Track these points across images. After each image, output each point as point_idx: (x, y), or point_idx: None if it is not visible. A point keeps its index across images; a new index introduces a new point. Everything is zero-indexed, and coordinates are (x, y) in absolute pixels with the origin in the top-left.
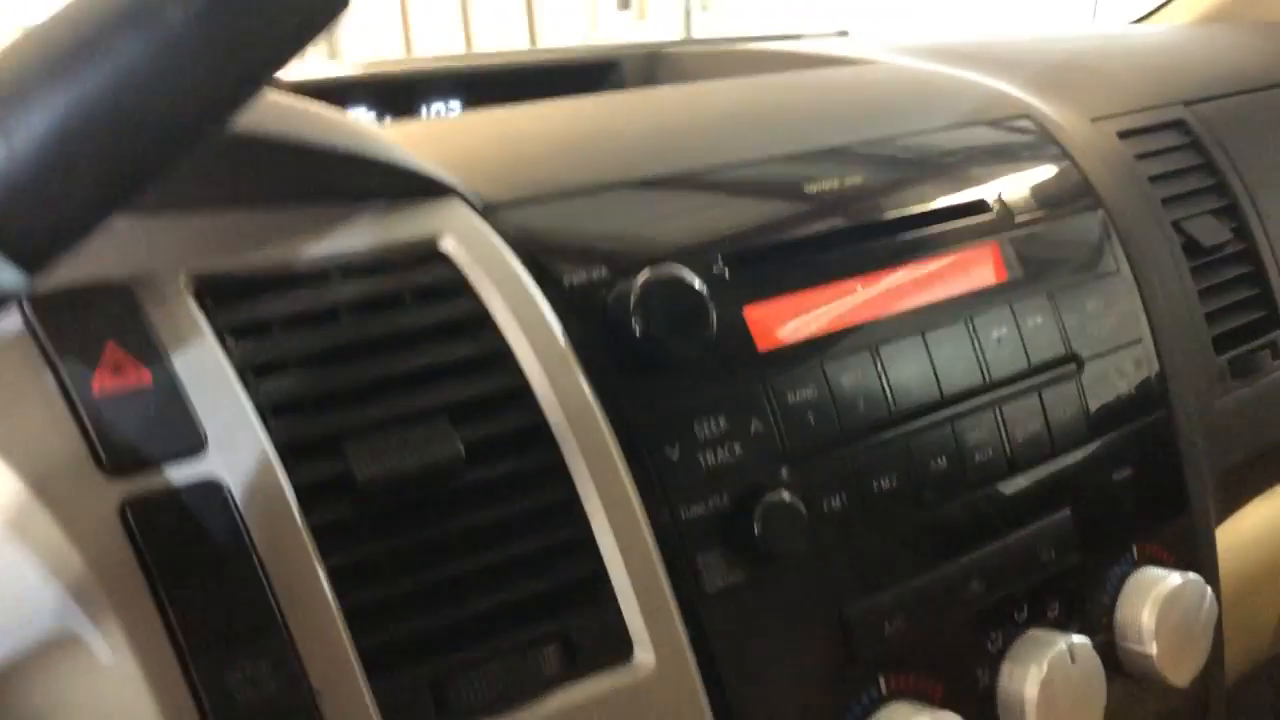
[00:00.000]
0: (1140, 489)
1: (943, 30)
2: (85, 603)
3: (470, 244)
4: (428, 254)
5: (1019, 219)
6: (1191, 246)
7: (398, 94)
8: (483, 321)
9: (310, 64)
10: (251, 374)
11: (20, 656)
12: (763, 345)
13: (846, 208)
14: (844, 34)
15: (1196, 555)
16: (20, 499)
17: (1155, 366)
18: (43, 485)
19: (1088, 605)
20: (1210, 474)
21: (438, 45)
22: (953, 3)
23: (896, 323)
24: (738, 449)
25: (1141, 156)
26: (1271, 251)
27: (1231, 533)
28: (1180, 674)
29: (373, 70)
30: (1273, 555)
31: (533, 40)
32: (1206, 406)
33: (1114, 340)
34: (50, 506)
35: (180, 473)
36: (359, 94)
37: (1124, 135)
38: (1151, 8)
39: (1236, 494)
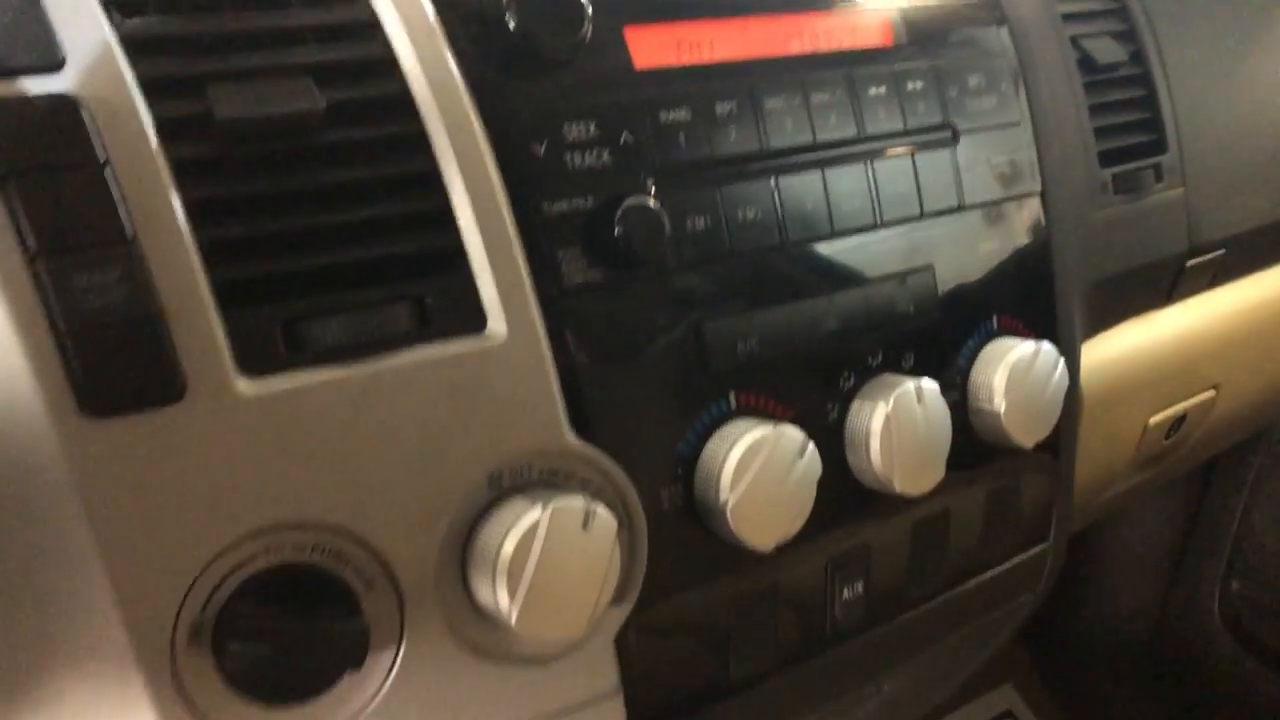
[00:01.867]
0: (1007, 267)
1: None
2: None
3: None
4: None
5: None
6: (1087, 63)
7: None
8: None
9: None
10: (116, 8)
11: None
12: (640, 64)
13: None
14: None
15: (1056, 338)
16: None
17: (1033, 155)
18: None
19: (943, 363)
20: (1081, 280)
21: None
22: None
23: (778, 66)
24: (605, 156)
25: None
26: (1165, 80)
27: (1101, 348)
28: (1026, 435)
29: None
30: (1138, 374)
31: None
32: (1084, 214)
33: (993, 119)
34: None
35: (37, 84)
36: None
37: None
38: None
39: (1110, 312)
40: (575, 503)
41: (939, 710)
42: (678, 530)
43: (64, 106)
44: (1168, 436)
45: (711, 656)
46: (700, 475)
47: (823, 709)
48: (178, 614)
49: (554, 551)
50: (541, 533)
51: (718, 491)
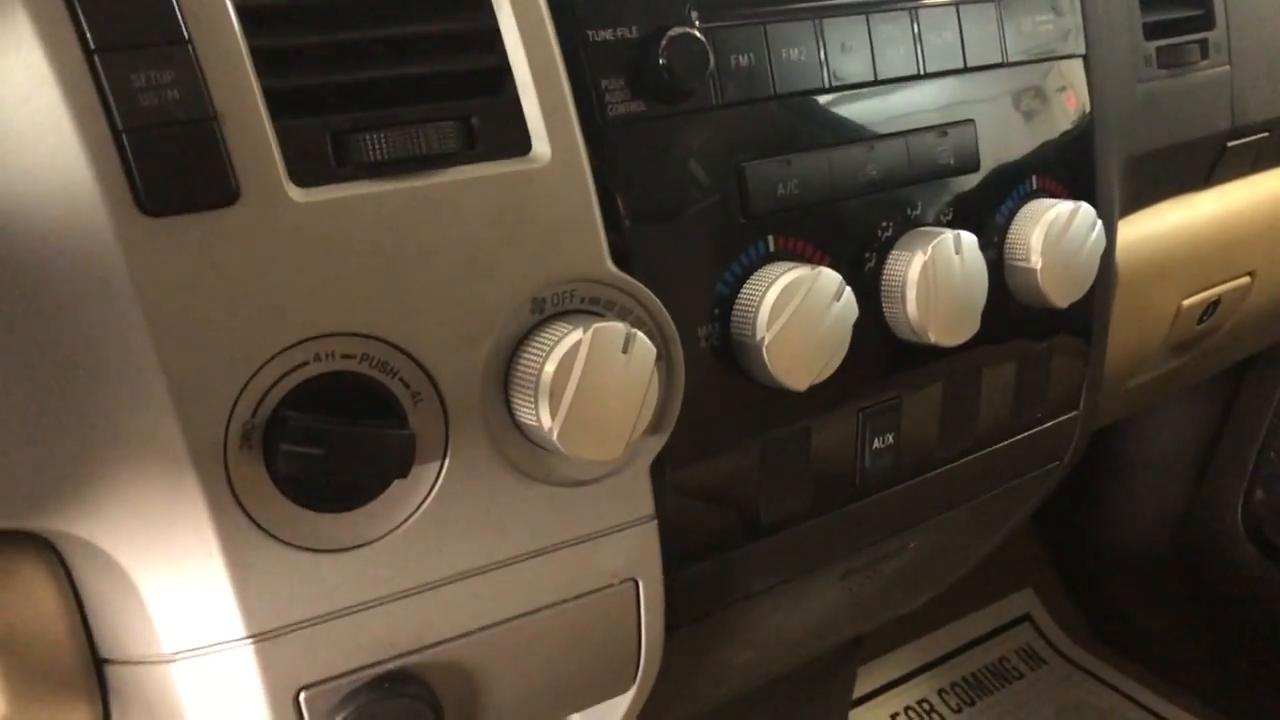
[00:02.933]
0: (1049, 127)
1: None
2: None
3: None
4: None
5: None
6: None
7: None
8: None
9: None
10: None
11: None
12: None
13: None
14: None
15: (1095, 202)
16: None
17: (1078, 15)
18: None
19: (981, 218)
20: (1121, 152)
21: None
22: None
23: None
24: None
25: None
26: None
27: (1138, 226)
28: (1061, 294)
29: None
30: (1173, 254)
31: None
32: (1128, 84)
33: None
34: None
35: None
36: None
37: None
38: None
39: (1148, 190)
40: (616, 327)
41: (958, 610)
42: (714, 368)
43: None
44: (1200, 321)
45: (742, 496)
46: (737, 314)
47: (849, 559)
48: (230, 415)
49: (594, 373)
50: (583, 353)
51: (754, 329)
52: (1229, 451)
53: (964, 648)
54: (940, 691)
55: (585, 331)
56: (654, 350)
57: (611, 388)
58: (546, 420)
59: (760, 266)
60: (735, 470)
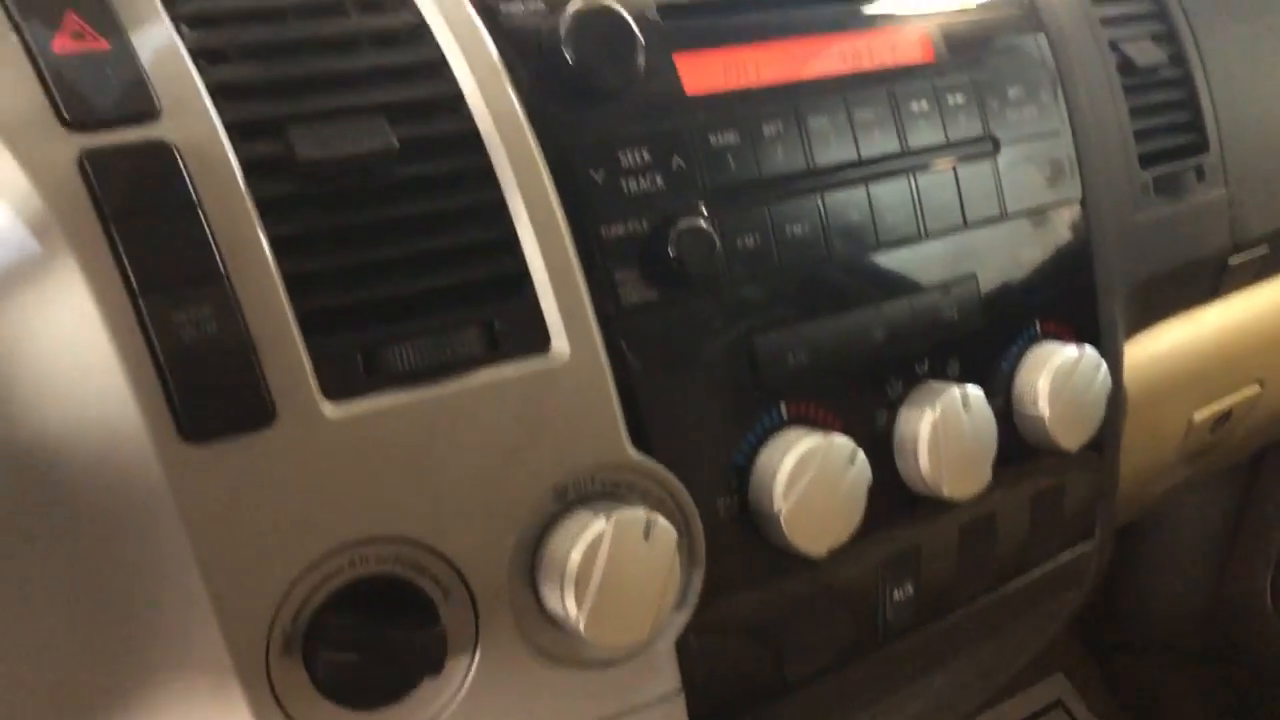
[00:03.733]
0: (1049, 274)
1: None
2: (46, 242)
3: None
4: None
5: (954, 13)
6: (1126, 66)
7: None
8: (421, 33)
9: None
10: (203, 58)
11: None
12: (690, 90)
13: None
14: None
15: (1099, 341)
16: None
17: (1073, 160)
18: (7, 134)
19: (987, 369)
20: (1124, 281)
21: None
22: None
23: (822, 86)
24: (659, 180)
25: None
26: (1206, 80)
27: (1144, 347)
28: (1070, 439)
29: None
30: (1181, 371)
31: None
32: (1126, 216)
33: (1033, 129)
34: (14, 153)
35: (134, 133)
36: None
37: None
38: None
39: (1152, 311)
40: (637, 514)
41: (990, 699)
42: (734, 537)
43: (160, 153)
44: (1213, 431)
45: (767, 658)
46: (754, 484)
47: (876, 706)
48: (271, 625)
49: (618, 561)
50: (606, 543)
51: (771, 500)
52: (1253, 533)
53: None
54: None
55: (607, 521)
56: (675, 533)
57: (635, 573)
58: (573, 609)
59: (774, 434)
60: (759, 633)
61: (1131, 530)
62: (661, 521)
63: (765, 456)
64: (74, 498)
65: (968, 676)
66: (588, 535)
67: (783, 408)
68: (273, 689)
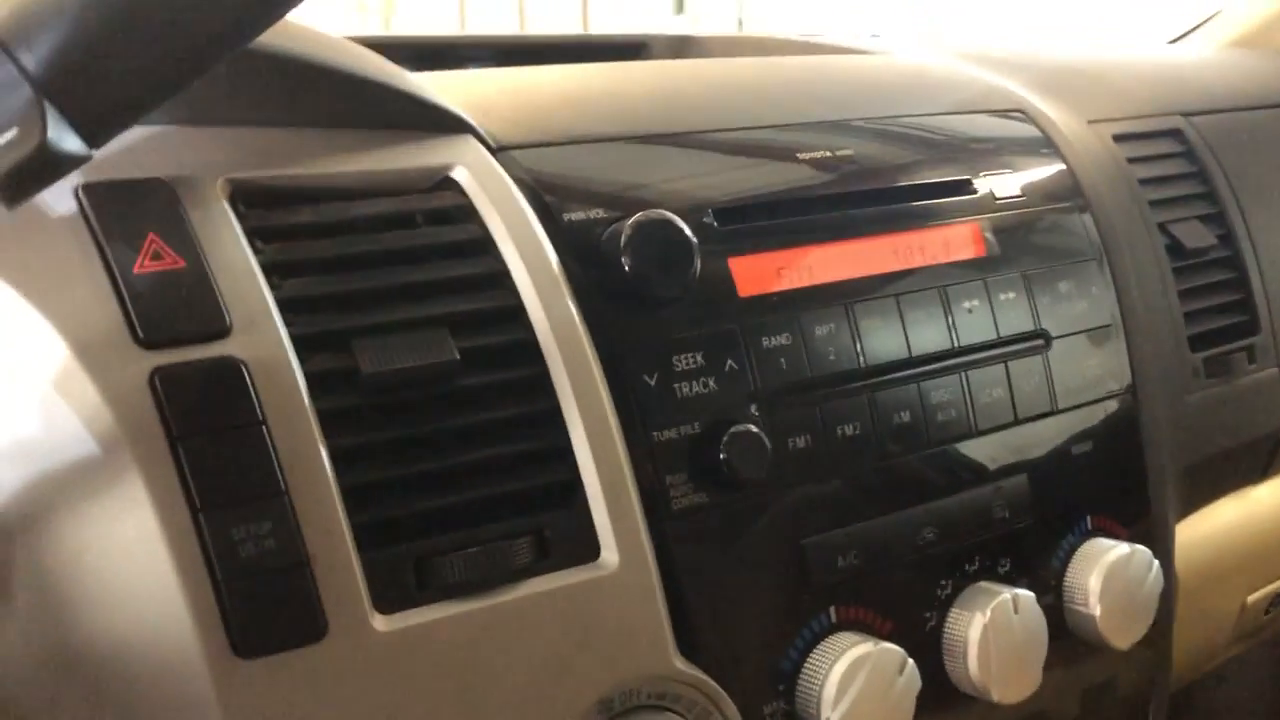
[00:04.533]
0: (1100, 466)
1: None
2: (114, 457)
3: (480, 176)
4: (441, 181)
5: (1002, 203)
6: (1176, 248)
7: (437, 57)
8: (486, 245)
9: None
10: (275, 273)
11: (56, 502)
12: (744, 292)
13: (836, 174)
14: (875, 36)
15: (1150, 534)
16: (65, 362)
17: (1124, 352)
18: (85, 351)
19: (1038, 566)
20: (1175, 464)
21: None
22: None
23: (873, 284)
24: (712, 384)
25: (1135, 160)
26: (1256, 261)
27: (1195, 527)
28: (1122, 638)
29: (416, 36)
30: (1234, 552)
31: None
32: (1177, 400)
33: (1084, 323)
34: (90, 370)
35: (205, 351)
36: (399, 54)
37: (1119, 139)
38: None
39: (1204, 491)
40: None
41: None
42: None
43: (229, 370)
44: (1267, 613)
45: None
46: (802, 692)
47: None
48: None
49: None
50: None
51: (819, 709)
52: None
53: None
54: None
55: None
56: None
57: None
58: None
59: (823, 639)
60: None
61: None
62: None
63: (813, 662)
64: (120, 705)
65: None
66: None
67: (832, 612)
68: None
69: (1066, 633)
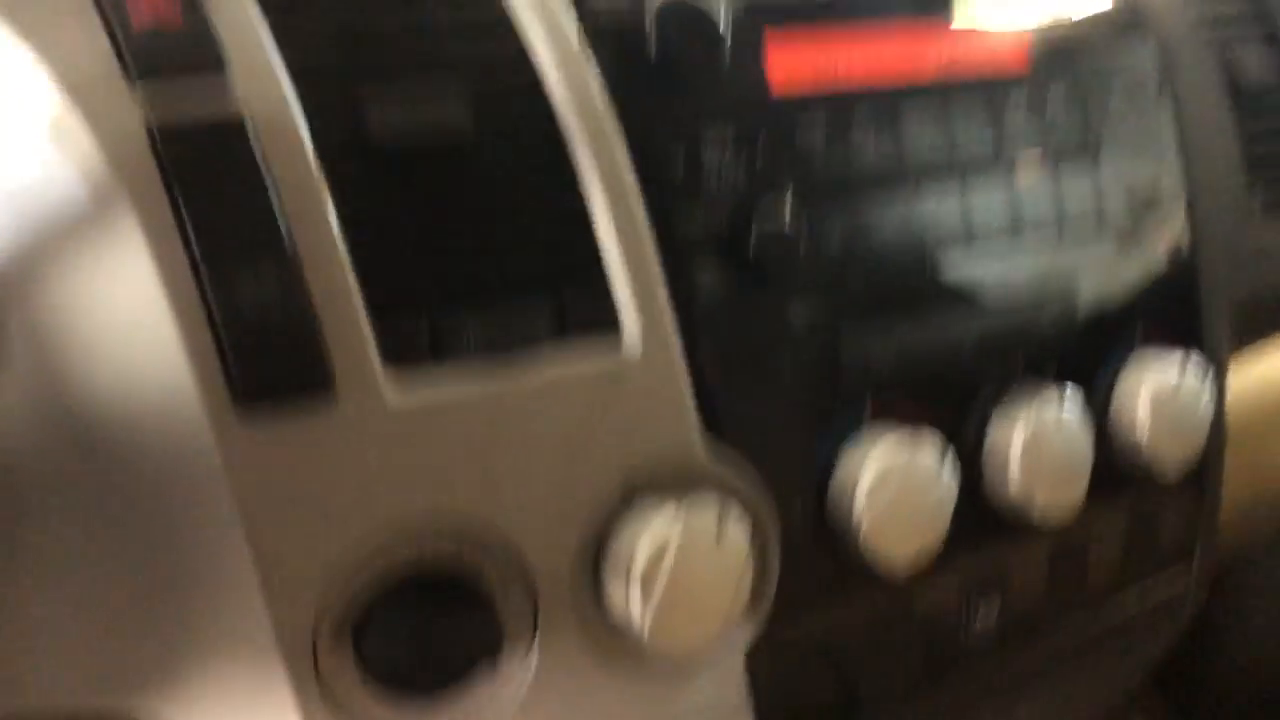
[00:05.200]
0: (1153, 286)
1: None
2: (109, 206)
3: None
4: None
5: (1059, 14)
6: (1236, 76)
7: None
8: (504, 19)
9: None
10: (281, 35)
11: (50, 250)
12: (778, 84)
13: None
14: None
15: (1202, 361)
16: (60, 108)
17: (1179, 176)
18: (80, 98)
19: (1084, 380)
20: (1229, 298)
21: None
22: None
23: (916, 86)
24: (742, 172)
25: None
26: None
27: (1247, 372)
28: (1168, 464)
29: None
30: None
31: None
32: (1232, 233)
33: (1136, 141)
34: (85, 117)
35: (206, 105)
36: None
37: None
38: None
39: (1258, 334)
40: (707, 516)
41: None
42: (810, 546)
43: (231, 125)
44: None
45: (841, 676)
46: (834, 490)
47: None
48: (321, 611)
49: (686, 563)
50: (674, 545)
51: (851, 508)
52: None
53: None
54: None
55: (676, 522)
56: (747, 537)
57: (704, 578)
58: (638, 611)
59: (856, 437)
60: (832, 649)
61: (1224, 578)
62: (733, 524)
63: (846, 461)
64: (122, 464)
65: (1052, 707)
66: (655, 535)
67: (866, 408)
68: (320, 679)
69: (1111, 457)
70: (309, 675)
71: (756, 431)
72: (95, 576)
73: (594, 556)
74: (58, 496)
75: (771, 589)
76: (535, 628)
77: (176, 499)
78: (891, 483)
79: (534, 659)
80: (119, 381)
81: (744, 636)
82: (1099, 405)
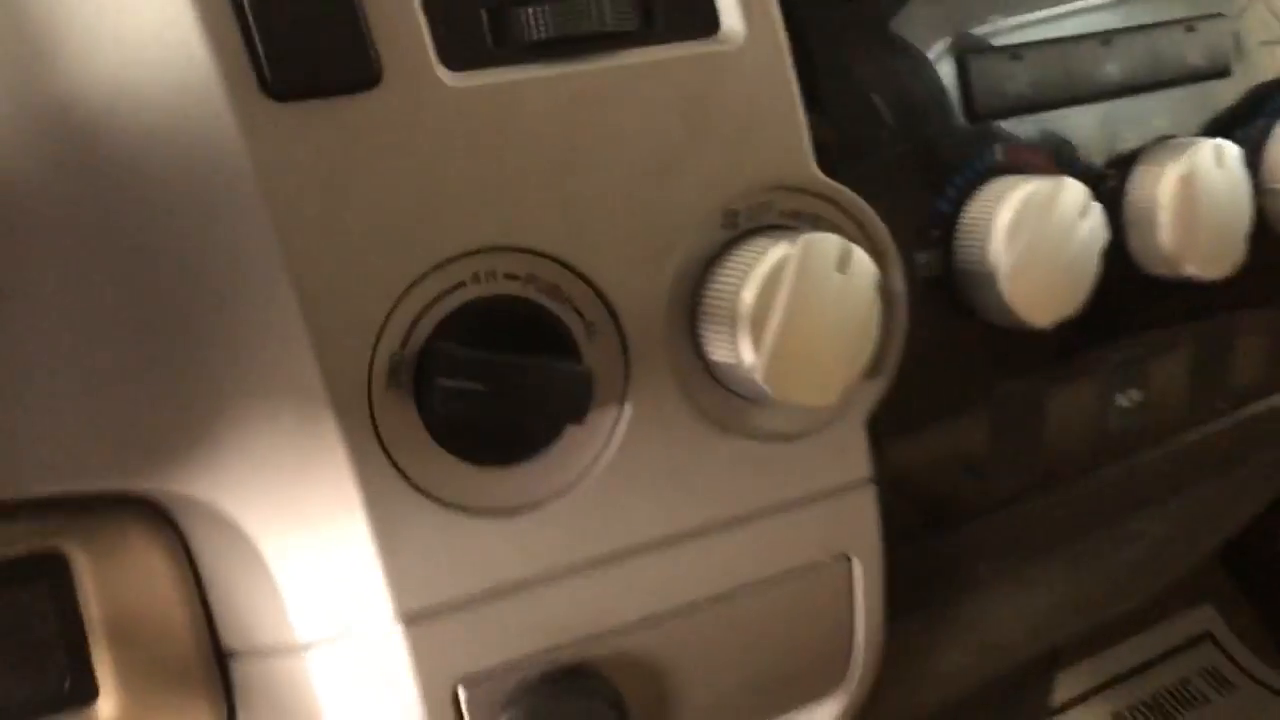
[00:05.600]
0: None
1: None
2: None
3: None
4: None
5: None
6: None
7: None
8: None
9: None
10: None
11: None
12: None
13: None
14: None
15: None
16: None
17: None
18: None
19: (1234, 132)
20: None
21: None
22: None
23: None
24: None
25: None
26: None
27: None
28: None
29: None
30: None
31: None
32: None
33: None
34: None
35: None
36: None
37: None
38: None
39: None
40: (829, 238)
41: (1131, 626)
42: (933, 304)
43: None
44: None
45: (967, 461)
46: (963, 237)
47: (1089, 537)
48: (375, 345)
49: (805, 297)
50: (791, 272)
51: (985, 255)
52: None
53: (1140, 668)
54: (1115, 716)
55: (793, 244)
56: (875, 268)
57: (826, 315)
58: (748, 356)
59: (987, 180)
60: (959, 429)
61: None
62: (859, 252)
63: (979, 204)
64: (130, 178)
65: (1184, 522)
66: (768, 263)
67: (997, 149)
68: (375, 428)
69: (1263, 222)
70: (364, 426)
71: (871, 165)
72: (99, 327)
73: (690, 297)
74: (48, 226)
75: (898, 344)
76: (626, 378)
77: (195, 203)
78: (1032, 222)
79: (626, 413)
80: (121, 64)
81: (867, 399)
82: (1249, 162)
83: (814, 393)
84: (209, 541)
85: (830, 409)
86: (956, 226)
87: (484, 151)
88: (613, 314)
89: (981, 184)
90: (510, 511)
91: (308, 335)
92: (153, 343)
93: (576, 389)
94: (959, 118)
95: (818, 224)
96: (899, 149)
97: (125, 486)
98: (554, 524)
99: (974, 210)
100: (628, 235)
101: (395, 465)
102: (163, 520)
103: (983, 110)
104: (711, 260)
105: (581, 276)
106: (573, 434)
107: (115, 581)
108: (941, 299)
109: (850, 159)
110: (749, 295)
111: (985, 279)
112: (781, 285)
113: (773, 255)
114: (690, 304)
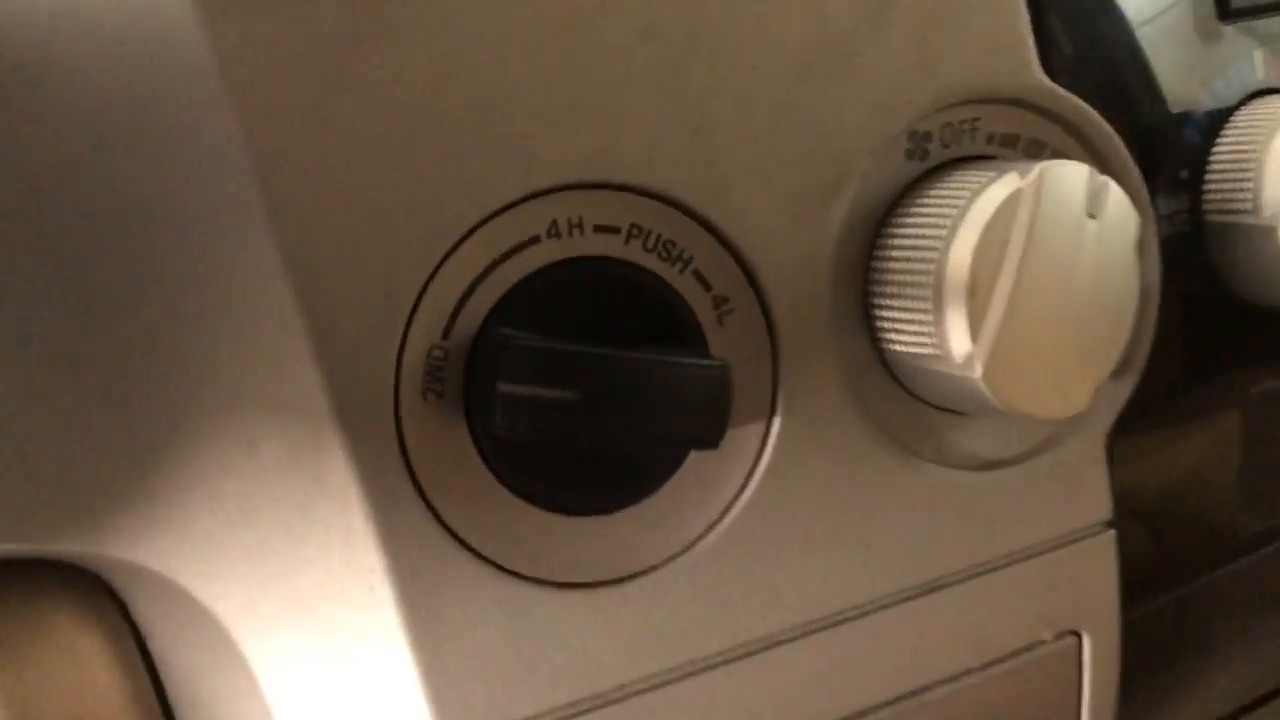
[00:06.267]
0: None
1: None
2: None
3: None
4: None
5: None
6: None
7: None
8: None
9: None
10: None
11: None
12: None
13: None
14: None
15: None
16: None
17: None
18: None
19: None
20: None
21: None
22: None
23: None
24: None
25: None
26: None
27: None
28: None
29: None
30: None
31: None
32: None
33: None
34: None
35: None
36: None
37: None
38: None
39: None
40: (1076, 170)
41: None
42: (1177, 270)
43: None
44: None
45: (1213, 490)
46: (1217, 179)
47: None
48: (404, 335)
49: (1045, 253)
50: (1025, 218)
51: (1254, 202)
52: None
53: None
54: None
55: (1024, 179)
56: (1137, 214)
57: (1075, 282)
58: (960, 345)
59: (1246, 104)
60: (1205, 446)
61: None
62: (1116, 190)
63: (1237, 135)
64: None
65: None
66: (988, 203)
67: (1256, 60)
68: (406, 458)
69: None
70: (389, 450)
71: (1092, 81)
72: (35, 326)
73: (866, 256)
74: None
75: (1150, 325)
76: (775, 378)
77: (145, 150)
78: None
79: (773, 433)
80: None
81: (1113, 406)
82: None
83: (1055, 398)
84: (164, 620)
85: (1064, 421)
86: (1209, 163)
87: (560, 41)
88: (754, 284)
89: (1240, 109)
90: (608, 583)
91: (301, 319)
92: (102, 353)
93: (707, 396)
94: (1209, 17)
95: (1041, 154)
96: (1131, 57)
97: (41, 548)
98: (671, 599)
99: (1231, 143)
100: (775, 168)
101: (435, 514)
102: (98, 588)
103: (1238, 6)
104: (895, 203)
105: (709, 228)
106: (697, 464)
107: (29, 675)
108: (1186, 262)
109: (1073, 68)
110: (960, 253)
111: (1254, 234)
112: (1010, 238)
113: (993, 194)
114: (864, 268)
